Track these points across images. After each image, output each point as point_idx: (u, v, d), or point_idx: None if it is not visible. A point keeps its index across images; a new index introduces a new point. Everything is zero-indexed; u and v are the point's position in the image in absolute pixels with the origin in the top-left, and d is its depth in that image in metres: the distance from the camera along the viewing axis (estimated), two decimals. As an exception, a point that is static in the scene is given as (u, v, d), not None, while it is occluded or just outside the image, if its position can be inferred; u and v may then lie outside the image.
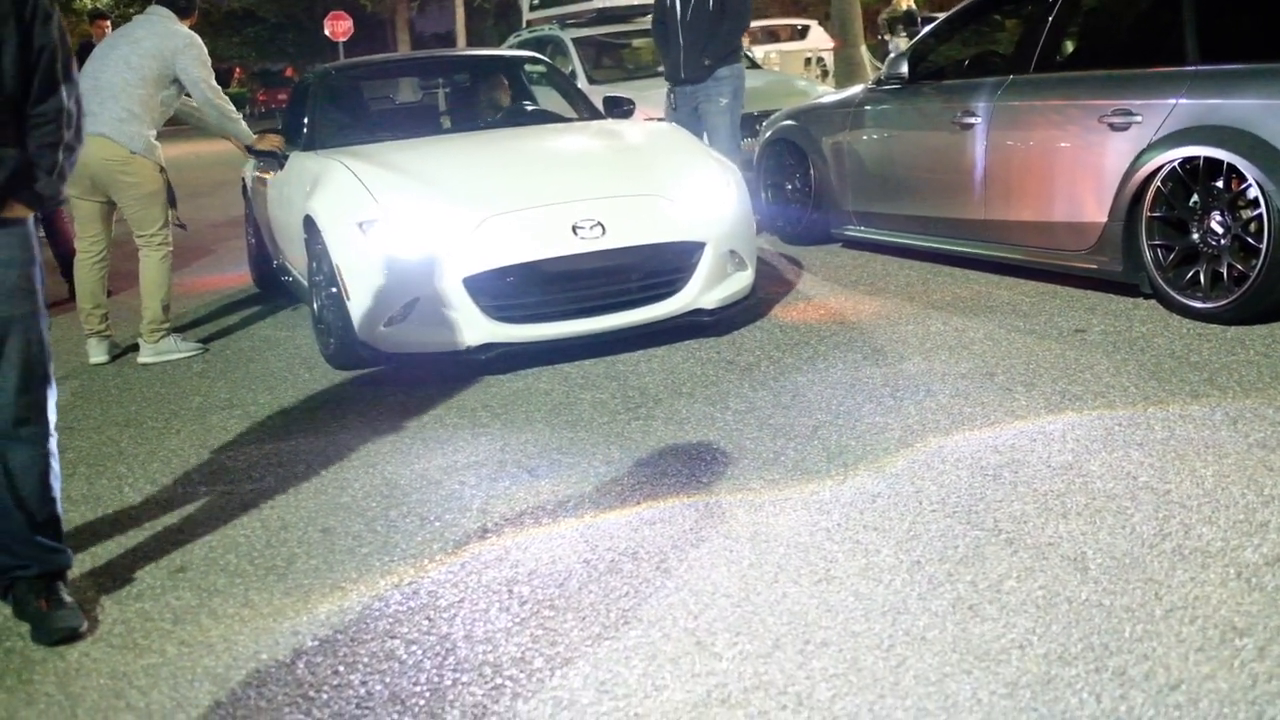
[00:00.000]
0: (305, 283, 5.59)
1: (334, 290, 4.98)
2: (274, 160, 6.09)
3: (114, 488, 3.93)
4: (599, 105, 6.84)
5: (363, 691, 2.48)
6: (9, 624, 2.92)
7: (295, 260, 5.88)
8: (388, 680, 2.51)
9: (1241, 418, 3.69)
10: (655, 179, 5.30)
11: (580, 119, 6.70)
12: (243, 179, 7.67)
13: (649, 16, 11.68)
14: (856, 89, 7.41)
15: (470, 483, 3.70)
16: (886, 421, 3.95)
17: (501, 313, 4.81)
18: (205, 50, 5.71)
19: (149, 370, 5.53)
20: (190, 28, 5.73)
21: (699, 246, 5.08)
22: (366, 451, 4.08)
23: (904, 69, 6.53)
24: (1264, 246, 4.53)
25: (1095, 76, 5.43)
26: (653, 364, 4.88)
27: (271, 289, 7.13)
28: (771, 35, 23.25)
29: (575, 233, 4.86)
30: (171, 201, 5.68)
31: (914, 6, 19.51)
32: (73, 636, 2.82)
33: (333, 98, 6.72)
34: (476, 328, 4.78)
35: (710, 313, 5.14)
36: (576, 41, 11.12)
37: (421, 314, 4.78)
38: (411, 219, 4.87)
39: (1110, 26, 6.11)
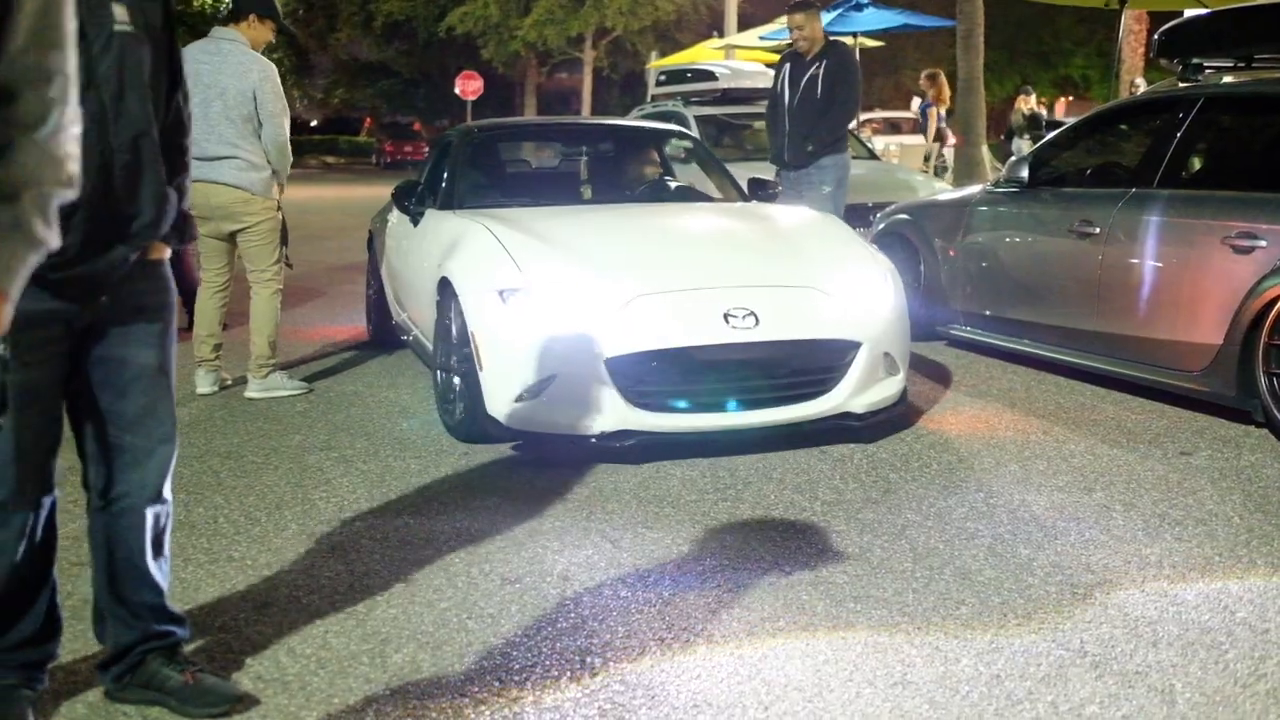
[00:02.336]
0: (429, 345, 5.46)
1: (466, 359, 4.80)
2: (409, 215, 6.00)
3: (209, 517, 4.02)
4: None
5: (428, 747, 2.49)
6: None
7: (421, 321, 5.77)
8: (454, 738, 2.52)
9: (1350, 561, 3.56)
10: (811, 270, 5.03)
11: (726, 200, 6.52)
12: (369, 231, 7.60)
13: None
14: (974, 189, 7.40)
15: (554, 548, 3.71)
16: (977, 528, 3.89)
17: (642, 399, 4.55)
18: (279, 81, 5.72)
19: (254, 405, 5.68)
20: (263, 43, 5.71)
21: (854, 346, 4.80)
22: (454, 506, 4.13)
23: (1024, 173, 6.51)
24: (1386, 385, 4.39)
25: (1221, 197, 5.35)
26: (744, 446, 4.86)
27: (387, 346, 7.07)
28: (893, 127, 23.31)
29: (727, 321, 4.60)
30: (284, 239, 5.87)
31: (1039, 109, 19.44)
32: (239, 701, 2.68)
33: (475, 157, 6.53)
34: (614, 412, 4.51)
35: (859, 417, 4.83)
36: (699, 119, 11.27)
37: (557, 392, 4.53)
38: (556, 291, 4.67)
39: (1240, 147, 6.02)
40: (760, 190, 6.47)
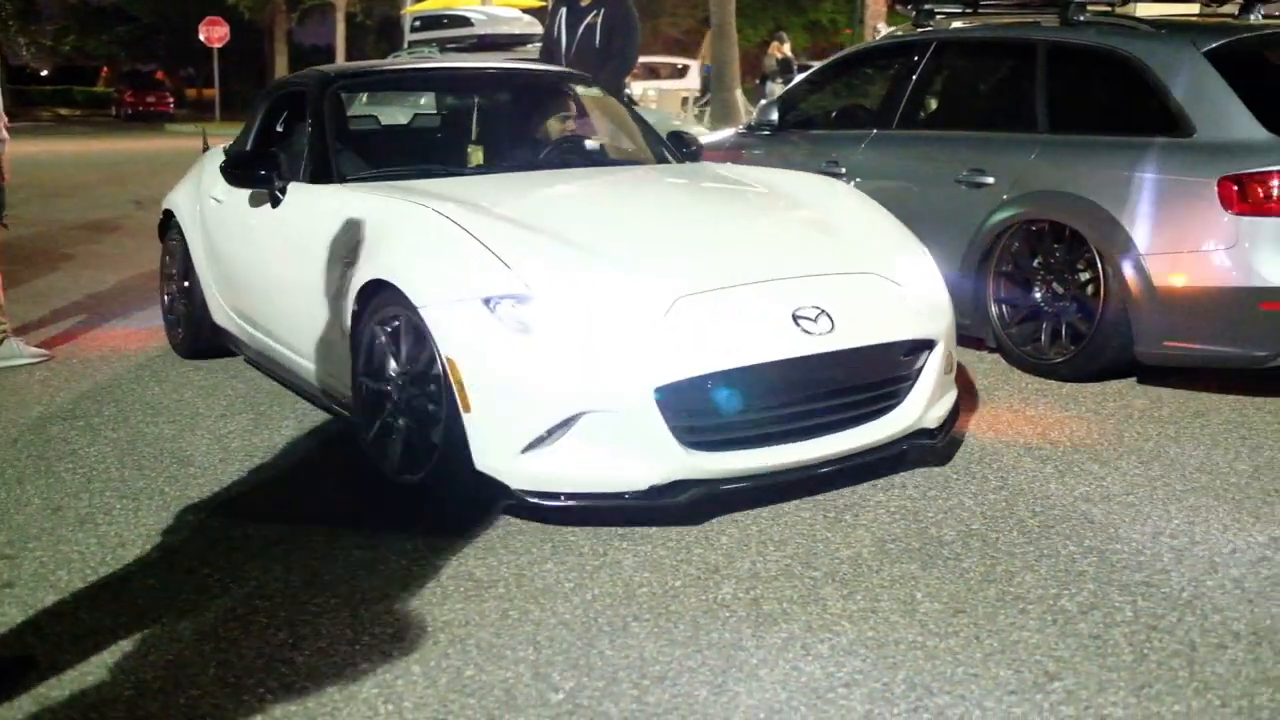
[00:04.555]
0: (308, 365, 4.31)
1: (432, 398, 3.55)
2: (264, 190, 4.61)
3: (-58, 496, 3.78)
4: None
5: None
6: None
7: (293, 336, 4.46)
8: (217, 702, 2.48)
9: (1069, 471, 3.88)
10: (867, 252, 4.01)
11: (659, 161, 5.18)
12: (168, 210, 5.74)
13: (528, 46, 11.83)
14: (728, 132, 7.58)
15: (318, 501, 3.66)
16: (737, 460, 4.03)
17: (696, 436, 3.38)
18: None
19: (-12, 375, 5.33)
20: None
21: (927, 346, 3.79)
22: (212, 468, 4.00)
23: (774, 116, 6.70)
24: (1098, 309, 4.78)
25: (952, 137, 5.67)
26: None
27: (205, 358, 5.55)
28: (651, 72, 23.59)
29: (798, 323, 3.51)
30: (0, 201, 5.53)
31: (790, 55, 20.04)
32: None
33: (342, 114, 4.96)
34: (666, 458, 3.32)
35: (932, 434, 3.84)
36: (456, 66, 11.10)
37: (584, 436, 3.32)
38: (568, 295, 3.44)
39: (969, 91, 6.38)
40: (683, 148, 5.34)
